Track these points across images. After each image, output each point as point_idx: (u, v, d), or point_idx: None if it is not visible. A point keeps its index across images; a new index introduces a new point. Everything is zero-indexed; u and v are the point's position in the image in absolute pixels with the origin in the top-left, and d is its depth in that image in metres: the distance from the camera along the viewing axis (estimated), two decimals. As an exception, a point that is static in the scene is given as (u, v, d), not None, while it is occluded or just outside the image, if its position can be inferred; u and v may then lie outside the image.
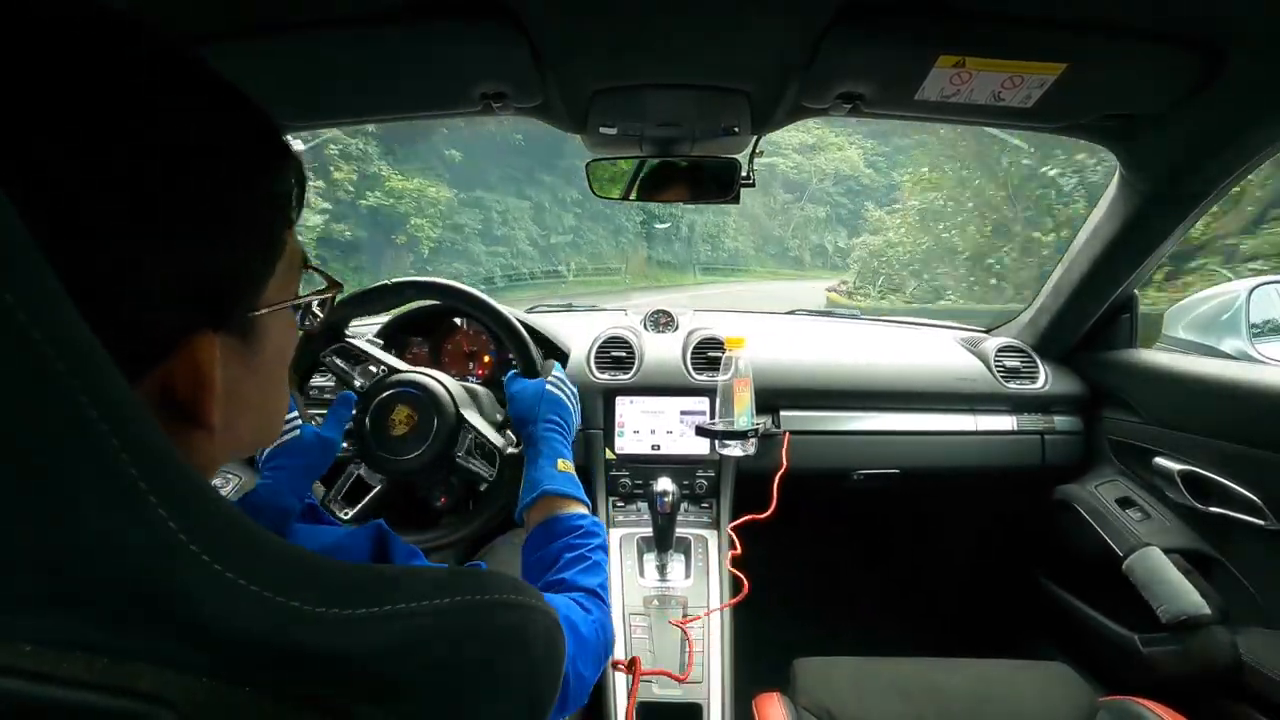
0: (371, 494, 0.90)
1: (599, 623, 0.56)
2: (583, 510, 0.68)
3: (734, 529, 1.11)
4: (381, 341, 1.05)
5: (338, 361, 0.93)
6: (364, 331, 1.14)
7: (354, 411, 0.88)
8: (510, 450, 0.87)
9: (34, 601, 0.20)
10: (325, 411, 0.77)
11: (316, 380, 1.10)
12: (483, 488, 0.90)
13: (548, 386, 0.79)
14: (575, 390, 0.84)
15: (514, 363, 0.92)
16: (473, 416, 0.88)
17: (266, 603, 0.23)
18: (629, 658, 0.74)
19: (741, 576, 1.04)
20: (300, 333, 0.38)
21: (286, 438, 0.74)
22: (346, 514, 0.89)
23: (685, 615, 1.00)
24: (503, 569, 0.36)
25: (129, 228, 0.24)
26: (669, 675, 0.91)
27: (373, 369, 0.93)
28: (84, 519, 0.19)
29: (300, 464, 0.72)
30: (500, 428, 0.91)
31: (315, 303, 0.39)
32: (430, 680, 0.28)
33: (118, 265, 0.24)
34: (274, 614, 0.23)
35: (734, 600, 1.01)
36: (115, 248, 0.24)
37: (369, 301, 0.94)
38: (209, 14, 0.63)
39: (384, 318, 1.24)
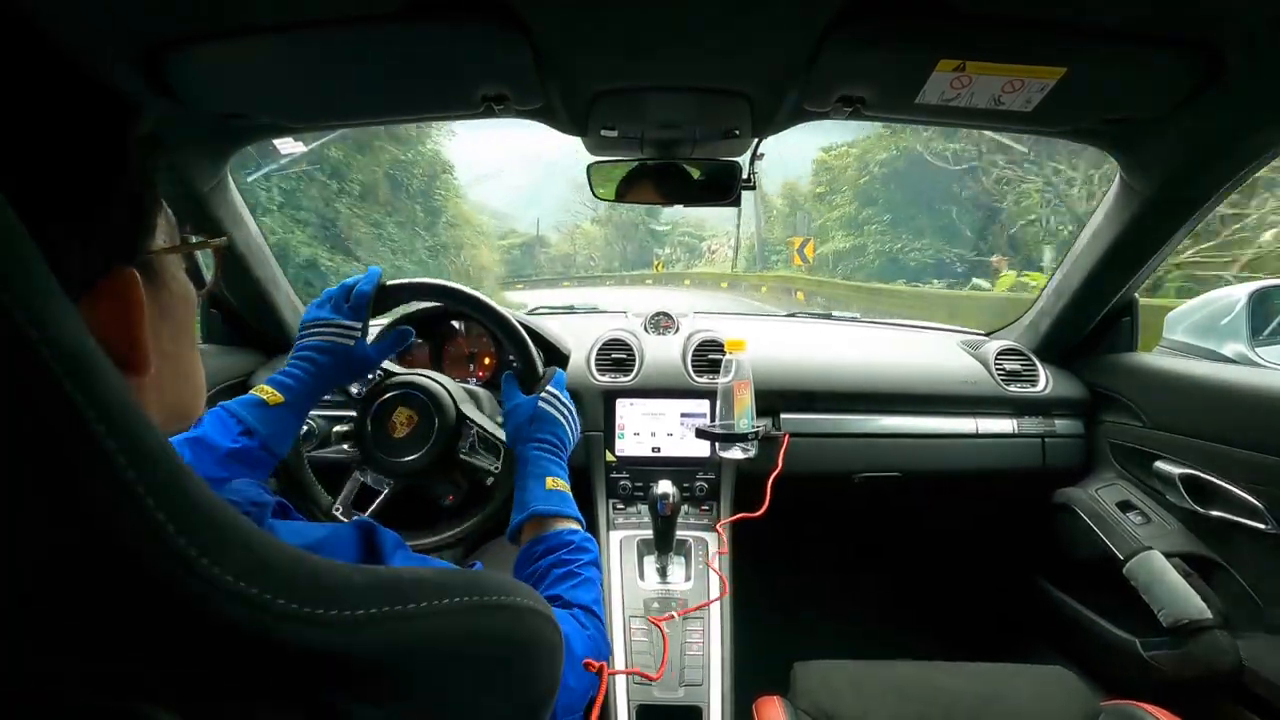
0: (380, 498, 0.90)
1: (594, 639, 0.56)
2: (575, 526, 0.68)
3: (723, 526, 1.11)
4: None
5: None
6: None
7: (356, 413, 0.89)
8: None
9: (31, 600, 0.20)
10: None
11: None
12: (489, 481, 0.90)
13: (540, 404, 0.77)
14: (571, 404, 0.81)
15: (514, 363, 0.92)
16: (473, 412, 0.89)
17: (266, 604, 0.23)
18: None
19: (723, 576, 1.03)
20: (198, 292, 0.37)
21: (338, 342, 0.75)
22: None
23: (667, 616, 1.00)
24: (501, 570, 0.36)
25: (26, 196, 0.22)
26: (641, 674, 0.90)
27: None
28: (83, 518, 0.19)
29: (331, 364, 0.74)
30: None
31: (206, 261, 0.38)
32: (429, 682, 0.28)
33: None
34: (273, 615, 0.23)
35: (712, 600, 1.00)
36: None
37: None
38: (208, 13, 0.63)
39: (384, 319, 1.23)
